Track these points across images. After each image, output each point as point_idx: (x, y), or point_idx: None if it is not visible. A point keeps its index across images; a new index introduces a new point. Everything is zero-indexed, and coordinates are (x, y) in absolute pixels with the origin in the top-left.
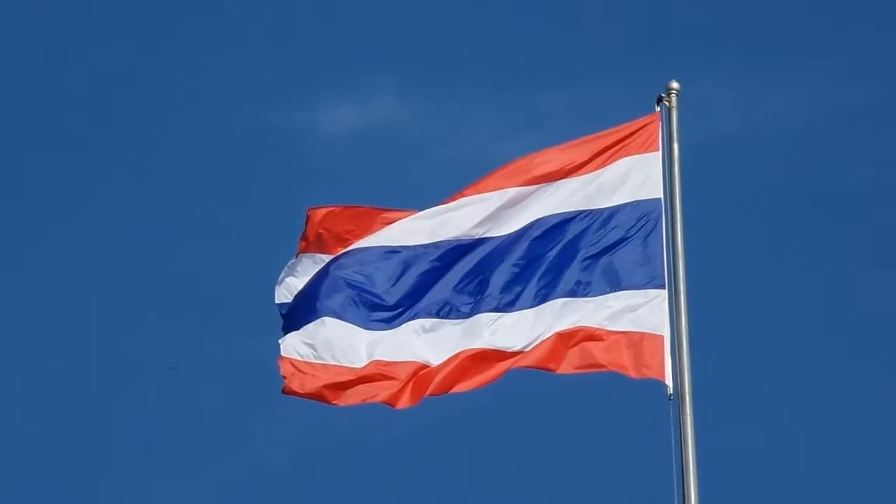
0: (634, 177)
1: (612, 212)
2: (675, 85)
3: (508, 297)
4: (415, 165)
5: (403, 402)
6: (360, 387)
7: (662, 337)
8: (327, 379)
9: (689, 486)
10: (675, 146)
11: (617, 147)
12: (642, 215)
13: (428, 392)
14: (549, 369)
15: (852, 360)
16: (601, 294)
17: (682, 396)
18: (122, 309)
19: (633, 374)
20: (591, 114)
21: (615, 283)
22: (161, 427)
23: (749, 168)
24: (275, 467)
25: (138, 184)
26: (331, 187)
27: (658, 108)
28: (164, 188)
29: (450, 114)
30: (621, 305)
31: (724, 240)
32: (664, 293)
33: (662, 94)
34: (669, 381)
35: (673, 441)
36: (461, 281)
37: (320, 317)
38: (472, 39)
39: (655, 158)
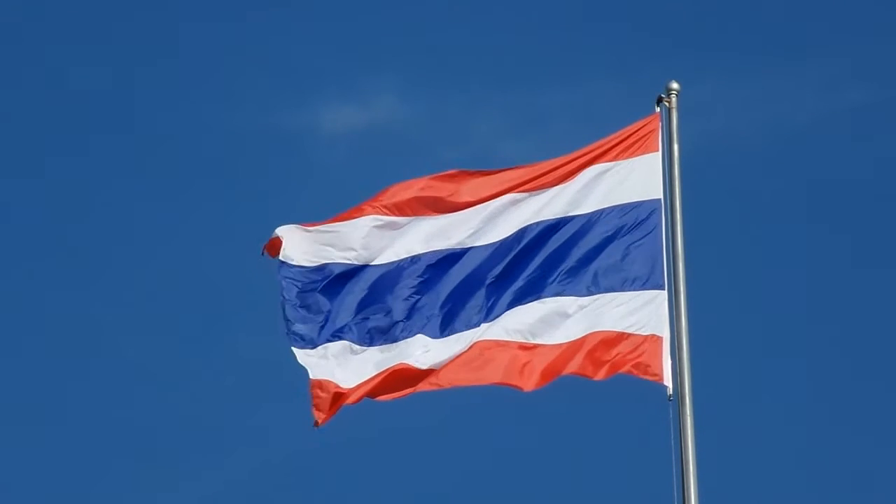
0: (634, 177)
1: (612, 212)
2: (675, 85)
3: (478, 313)
4: (416, 165)
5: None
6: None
7: (662, 338)
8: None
9: (689, 487)
10: (675, 147)
11: (616, 148)
12: (642, 216)
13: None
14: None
15: (853, 361)
16: (600, 294)
17: (682, 397)
18: (122, 308)
19: (635, 371)
20: (591, 114)
21: (615, 285)
22: (161, 427)
23: (749, 168)
24: (275, 467)
25: (140, 184)
26: (332, 187)
27: (658, 109)
28: (165, 188)
29: (451, 114)
30: (621, 306)
31: (724, 240)
32: (664, 294)
33: (662, 95)
34: (669, 382)
35: (673, 441)
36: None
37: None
38: (473, 39)
39: (655, 159)
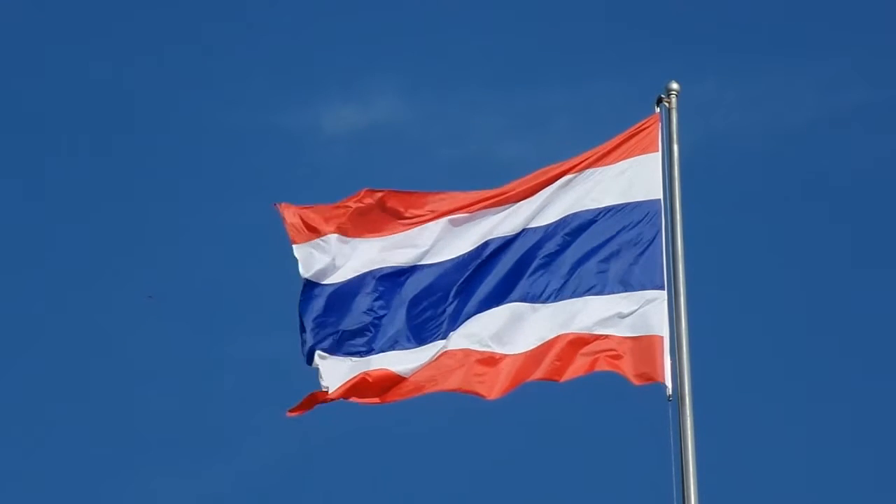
0: (634, 178)
1: (611, 212)
2: (674, 86)
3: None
4: (417, 166)
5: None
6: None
7: (662, 338)
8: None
9: (688, 487)
10: (675, 147)
11: (616, 148)
12: (642, 216)
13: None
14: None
15: (853, 361)
16: (600, 294)
17: (682, 397)
18: (123, 308)
19: (634, 380)
20: (591, 114)
21: (615, 285)
22: (162, 426)
23: (749, 168)
24: (275, 467)
25: (140, 183)
26: (333, 187)
27: (658, 109)
28: (165, 188)
29: (451, 114)
30: (622, 307)
31: (724, 240)
32: (664, 294)
33: (662, 95)
34: (669, 382)
35: (672, 442)
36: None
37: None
38: (473, 40)
39: (655, 159)
